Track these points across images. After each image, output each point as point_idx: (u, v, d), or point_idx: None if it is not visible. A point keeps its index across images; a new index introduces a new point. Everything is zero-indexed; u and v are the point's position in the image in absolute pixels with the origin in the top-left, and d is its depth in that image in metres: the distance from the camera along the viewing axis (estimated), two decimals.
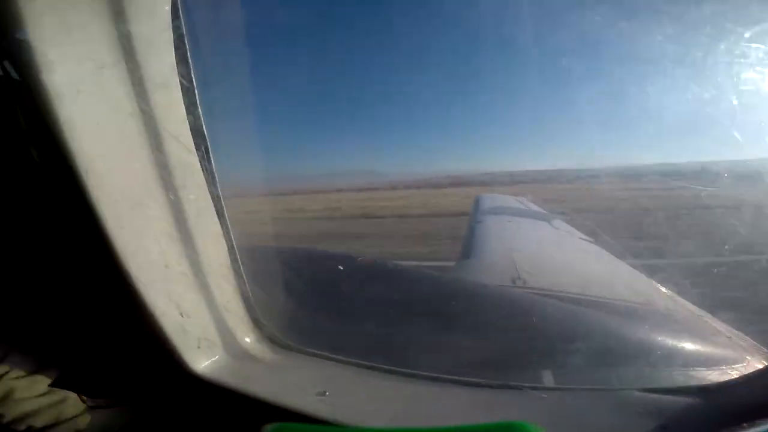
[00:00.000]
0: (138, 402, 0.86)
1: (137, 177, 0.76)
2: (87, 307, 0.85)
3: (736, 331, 1.22)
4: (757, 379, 0.70)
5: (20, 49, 0.61)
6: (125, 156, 0.74)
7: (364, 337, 1.04)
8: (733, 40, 0.84)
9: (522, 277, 2.71)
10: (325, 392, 0.74)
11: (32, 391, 0.79)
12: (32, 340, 0.84)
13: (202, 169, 0.84)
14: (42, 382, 0.81)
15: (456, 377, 0.82)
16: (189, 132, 0.81)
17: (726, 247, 1.22)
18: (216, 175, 0.87)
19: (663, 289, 1.83)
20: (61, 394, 0.80)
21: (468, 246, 3.39)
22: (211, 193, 0.87)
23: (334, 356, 0.90)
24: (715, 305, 1.39)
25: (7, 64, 0.65)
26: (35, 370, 0.81)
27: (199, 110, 0.81)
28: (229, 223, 0.89)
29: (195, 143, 0.83)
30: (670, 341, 1.16)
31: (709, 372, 0.93)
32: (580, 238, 3.52)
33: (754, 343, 1.12)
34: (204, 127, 0.83)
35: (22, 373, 0.80)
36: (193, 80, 0.78)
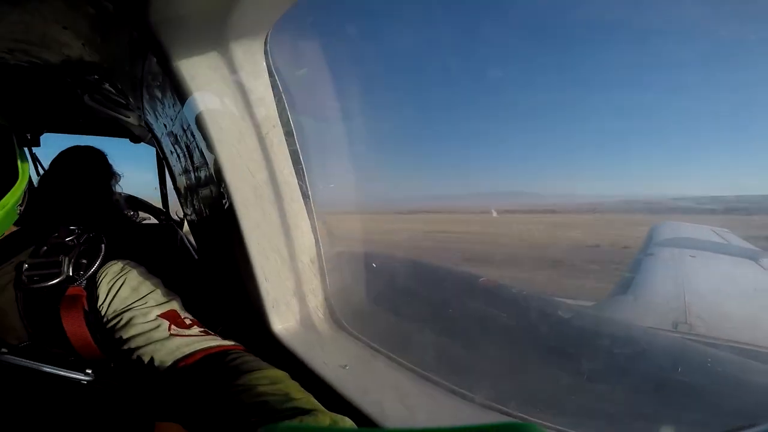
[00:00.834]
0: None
1: (258, 192, 1.08)
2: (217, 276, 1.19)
3: None
4: None
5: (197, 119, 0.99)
6: (252, 179, 1.07)
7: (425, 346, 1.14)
8: None
9: (689, 322, 2.33)
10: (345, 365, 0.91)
11: (144, 318, 0.95)
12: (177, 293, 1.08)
13: (299, 189, 1.13)
14: (154, 313, 0.97)
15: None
16: (290, 161, 1.10)
17: None
18: (310, 193, 1.14)
19: None
20: (158, 322, 0.95)
21: (626, 281, 3.02)
22: (306, 206, 1.15)
23: (392, 355, 1.04)
24: None
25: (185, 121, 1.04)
26: (159, 304, 1.00)
27: (297, 146, 1.10)
28: (317, 229, 1.16)
29: (295, 170, 1.12)
30: None
31: None
32: None
33: None
34: (300, 157, 1.11)
35: (149, 304, 0.99)
36: (291, 124, 1.08)
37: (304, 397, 0.73)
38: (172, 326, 0.94)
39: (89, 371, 0.98)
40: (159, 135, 1.62)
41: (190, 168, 1.33)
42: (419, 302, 1.50)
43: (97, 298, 0.99)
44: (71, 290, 0.97)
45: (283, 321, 1.09)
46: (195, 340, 0.92)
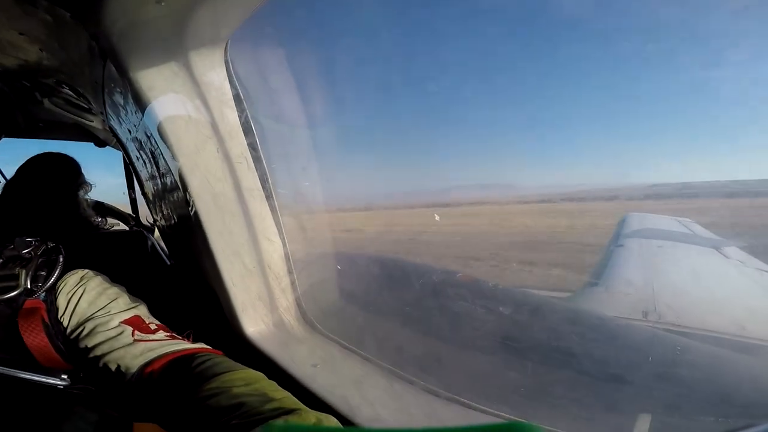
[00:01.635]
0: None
1: (218, 201, 1.08)
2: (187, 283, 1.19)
3: None
4: None
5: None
6: (211, 188, 1.07)
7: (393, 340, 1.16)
8: None
9: (658, 311, 2.40)
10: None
11: (106, 326, 0.94)
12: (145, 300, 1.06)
13: (263, 193, 1.13)
14: (116, 320, 0.95)
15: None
16: (253, 166, 1.10)
17: None
18: (274, 196, 1.15)
19: None
20: (121, 328, 0.94)
21: (598, 272, 3.10)
22: (271, 210, 1.15)
23: (362, 352, 1.06)
24: None
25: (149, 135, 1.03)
26: (121, 311, 0.98)
27: (260, 150, 1.11)
28: (284, 233, 1.16)
29: (258, 174, 1.12)
30: None
31: None
32: (759, 269, 2.91)
33: None
34: (264, 161, 1.11)
35: (111, 312, 0.97)
36: (253, 129, 1.08)
37: (284, 397, 0.73)
38: (136, 332, 0.94)
39: (65, 376, 0.97)
40: (124, 140, 1.60)
41: (156, 174, 1.31)
42: (391, 299, 1.52)
43: (57, 309, 0.98)
44: (29, 303, 0.96)
45: (253, 324, 1.10)
46: (160, 345, 0.91)
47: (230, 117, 1.03)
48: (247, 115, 1.05)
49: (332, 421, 0.68)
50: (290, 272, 1.16)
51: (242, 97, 1.04)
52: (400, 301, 1.52)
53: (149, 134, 1.14)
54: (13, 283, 0.97)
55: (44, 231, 1.12)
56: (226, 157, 1.06)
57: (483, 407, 0.84)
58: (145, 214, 2.53)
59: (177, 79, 0.96)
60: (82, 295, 1.00)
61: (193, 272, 1.43)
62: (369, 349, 1.03)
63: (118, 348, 0.91)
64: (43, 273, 1.01)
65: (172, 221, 1.43)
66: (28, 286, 0.97)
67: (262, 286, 1.13)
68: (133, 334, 0.93)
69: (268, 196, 1.13)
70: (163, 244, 2.15)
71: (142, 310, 1.01)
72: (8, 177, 1.64)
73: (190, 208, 1.07)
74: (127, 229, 2.48)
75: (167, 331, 0.97)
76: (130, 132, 1.40)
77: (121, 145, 1.84)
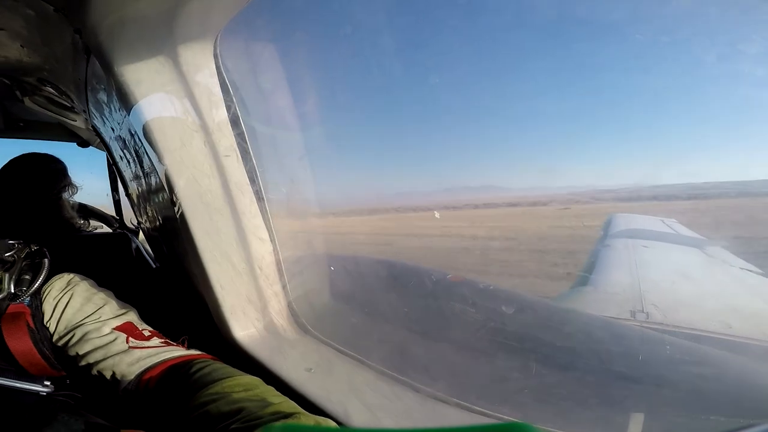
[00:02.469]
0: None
1: (205, 199, 1.05)
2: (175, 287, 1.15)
3: None
4: None
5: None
6: (198, 187, 1.04)
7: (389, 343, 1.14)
8: None
9: (645, 311, 2.42)
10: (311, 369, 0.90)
11: (99, 333, 0.93)
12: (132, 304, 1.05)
13: (254, 193, 1.10)
14: (108, 327, 0.94)
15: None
16: (242, 165, 1.08)
17: None
18: (265, 196, 1.12)
19: None
20: (114, 335, 0.92)
21: (586, 273, 3.13)
22: (261, 210, 1.12)
23: (357, 356, 1.04)
24: None
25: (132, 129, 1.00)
26: (113, 318, 0.97)
27: (250, 149, 1.08)
28: (274, 232, 1.14)
29: (248, 173, 1.09)
30: None
31: None
32: (743, 269, 2.96)
33: None
34: (254, 160, 1.09)
35: (102, 318, 0.95)
36: (243, 126, 1.05)
37: (283, 401, 0.73)
38: (130, 338, 0.93)
39: (47, 383, 0.92)
40: (107, 139, 1.56)
41: (141, 174, 1.28)
42: (387, 301, 1.50)
43: (43, 314, 0.96)
44: (12, 308, 0.94)
45: (243, 328, 1.07)
46: (157, 351, 0.91)
47: (219, 112, 1.00)
48: (235, 110, 1.03)
49: (331, 424, 0.69)
50: (281, 273, 1.14)
51: (231, 91, 1.01)
52: (395, 303, 1.51)
53: (133, 132, 1.11)
54: None
55: (26, 233, 1.09)
56: (214, 156, 1.03)
57: (485, 410, 0.83)
58: (129, 217, 2.47)
59: (164, 74, 0.93)
60: (69, 300, 0.98)
61: (180, 275, 1.40)
62: (365, 352, 1.01)
63: (112, 355, 0.90)
64: (27, 277, 0.98)
65: (158, 222, 1.39)
66: (12, 291, 0.95)
67: (252, 288, 1.10)
68: (127, 341, 0.92)
69: (258, 194, 1.11)
70: (148, 247, 2.11)
71: (132, 316, 1.00)
72: None
73: (176, 208, 1.04)
74: (111, 231, 2.42)
75: (161, 338, 0.96)
76: (113, 130, 1.36)
77: (104, 145, 1.80)
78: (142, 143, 1.07)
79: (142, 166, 1.24)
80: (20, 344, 0.91)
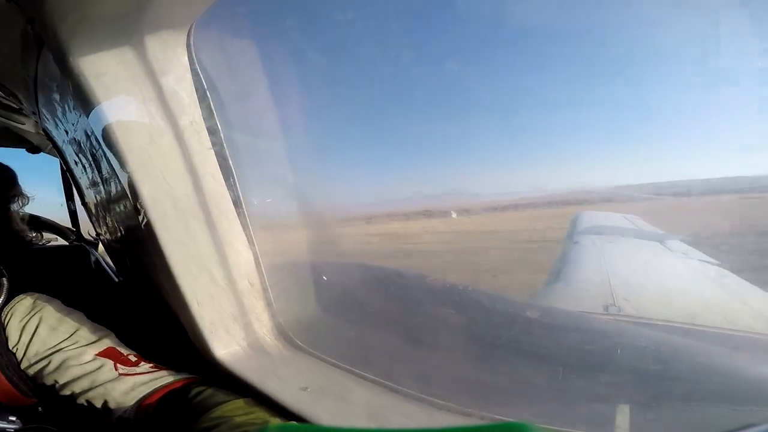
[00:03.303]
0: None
1: (179, 205, 0.95)
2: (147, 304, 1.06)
3: None
4: None
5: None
6: (170, 190, 0.94)
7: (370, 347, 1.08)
8: None
9: (617, 304, 2.48)
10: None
11: (80, 360, 0.89)
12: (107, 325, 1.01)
13: (231, 199, 1.02)
14: (89, 353, 0.91)
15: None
16: (219, 169, 0.99)
17: None
18: (243, 203, 1.03)
19: None
20: (99, 362, 0.89)
21: (558, 270, 3.19)
22: (240, 217, 1.04)
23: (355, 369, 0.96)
24: None
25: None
26: (92, 343, 0.93)
27: (227, 151, 0.99)
28: (255, 241, 1.05)
29: (224, 178, 1.00)
30: None
31: None
32: (701, 261, 3.09)
33: None
34: (231, 164, 1.00)
35: (81, 343, 0.92)
36: (219, 127, 0.96)
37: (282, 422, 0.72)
38: (118, 365, 0.90)
39: (13, 418, 0.89)
40: (60, 143, 1.42)
41: (99, 180, 1.16)
42: (380, 310, 1.44)
43: (7, 339, 0.90)
44: None
45: (225, 346, 0.98)
46: (150, 378, 0.89)
47: (192, 112, 0.91)
48: (212, 111, 0.94)
49: None
50: (264, 288, 1.05)
51: (207, 88, 0.93)
52: (389, 312, 1.45)
53: (90, 133, 1.00)
54: None
55: None
56: (186, 157, 0.94)
57: (494, 416, 0.79)
58: (86, 228, 2.29)
59: (129, 66, 0.83)
60: (39, 322, 0.92)
61: (147, 289, 1.29)
62: (363, 366, 0.94)
63: (102, 383, 0.87)
64: None
65: (119, 233, 1.27)
66: None
67: (233, 305, 1.01)
68: (115, 368, 0.89)
69: (237, 204, 1.02)
70: (108, 260, 1.96)
71: (112, 340, 0.96)
72: None
73: (141, 218, 0.93)
74: (67, 244, 2.24)
75: (147, 362, 0.94)
76: (67, 133, 1.23)
77: (57, 150, 1.64)
78: (100, 146, 0.96)
79: (100, 172, 1.13)
80: None
